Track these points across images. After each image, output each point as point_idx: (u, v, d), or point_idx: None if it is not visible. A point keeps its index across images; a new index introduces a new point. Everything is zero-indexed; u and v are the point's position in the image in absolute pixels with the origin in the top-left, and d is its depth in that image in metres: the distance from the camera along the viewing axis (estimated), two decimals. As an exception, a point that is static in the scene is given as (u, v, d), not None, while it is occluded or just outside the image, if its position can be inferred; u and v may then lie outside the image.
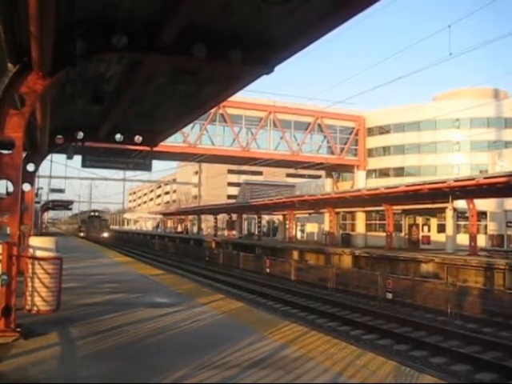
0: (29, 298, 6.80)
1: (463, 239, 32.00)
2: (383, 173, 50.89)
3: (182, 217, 79.73)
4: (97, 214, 63.14)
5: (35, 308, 6.81)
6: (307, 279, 25.12)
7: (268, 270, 28.70)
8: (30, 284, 6.79)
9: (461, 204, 31.24)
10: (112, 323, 7.74)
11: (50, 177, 53.51)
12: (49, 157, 19.49)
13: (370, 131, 51.37)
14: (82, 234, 58.24)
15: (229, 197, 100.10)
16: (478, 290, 19.39)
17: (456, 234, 32.29)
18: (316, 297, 20.53)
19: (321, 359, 5.93)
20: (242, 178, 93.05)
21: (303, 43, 8.01)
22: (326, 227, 44.44)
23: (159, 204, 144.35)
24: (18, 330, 6.58)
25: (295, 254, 36.02)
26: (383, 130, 51.05)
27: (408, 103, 52.54)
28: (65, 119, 14.16)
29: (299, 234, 56.86)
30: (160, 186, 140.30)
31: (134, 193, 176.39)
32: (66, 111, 13.32)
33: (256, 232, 58.07)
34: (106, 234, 59.60)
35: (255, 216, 57.86)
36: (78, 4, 6.75)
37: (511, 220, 33.66)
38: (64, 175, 59.07)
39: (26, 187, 13.41)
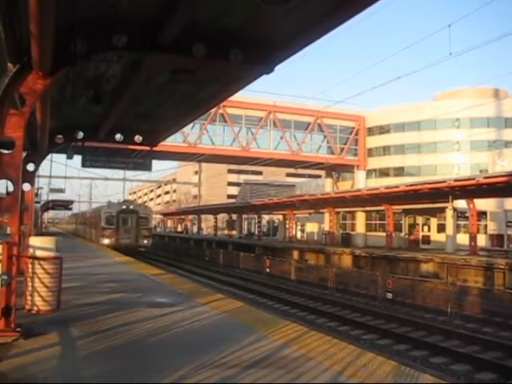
0: (29, 298, 6.79)
1: (463, 239, 31.99)
2: (383, 172, 50.90)
3: (182, 216, 79.76)
4: (131, 207, 38.88)
5: (35, 308, 6.80)
6: (307, 279, 25.13)
7: (268, 270, 28.70)
8: (30, 284, 6.78)
9: (461, 204, 31.25)
10: (112, 323, 7.73)
11: (50, 176, 53.14)
12: (49, 156, 19.48)
13: (370, 131, 51.39)
14: (106, 242, 35.85)
15: (229, 196, 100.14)
16: (478, 289, 19.39)
17: (456, 234, 32.29)
18: (316, 296, 20.54)
19: (321, 359, 5.92)
20: (242, 178, 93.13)
21: (303, 43, 8.01)
22: (326, 227, 44.42)
23: (159, 204, 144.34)
24: (18, 329, 6.57)
25: (295, 254, 36.03)
26: (383, 130, 51.07)
27: (408, 103, 52.50)
28: (65, 119, 14.17)
29: (299, 234, 56.83)
30: (160, 186, 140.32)
31: (134, 193, 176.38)
32: (66, 111, 13.32)
33: (256, 232, 58.05)
34: (146, 242, 37.69)
35: (255, 216, 57.85)
36: (78, 4, 6.76)
37: (511, 220, 33.64)
38: (64, 175, 57.69)
39: (26, 187, 13.40)
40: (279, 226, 59.50)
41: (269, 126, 46.36)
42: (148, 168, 18.83)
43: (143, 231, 37.89)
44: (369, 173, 51.27)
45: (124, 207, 38.46)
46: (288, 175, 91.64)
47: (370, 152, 51.39)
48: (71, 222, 79.95)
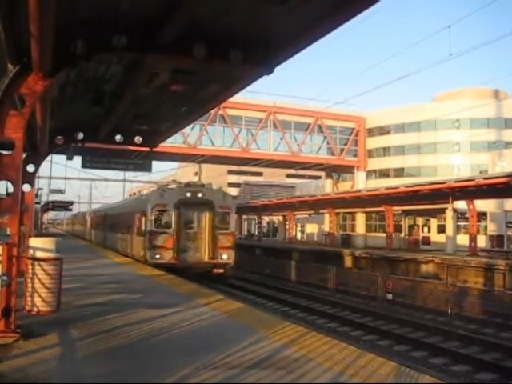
0: (29, 299, 6.78)
1: (463, 240, 31.97)
2: (383, 173, 50.90)
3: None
4: (200, 194, 20.30)
5: (35, 309, 6.79)
6: (307, 280, 25.09)
7: (268, 271, 28.67)
8: (30, 285, 6.77)
9: (461, 205, 31.24)
10: (112, 324, 7.72)
11: (50, 177, 53.07)
12: (49, 157, 19.52)
13: (370, 132, 51.41)
14: (157, 258, 19.47)
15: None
16: (478, 290, 19.37)
17: (456, 235, 32.27)
18: (316, 297, 20.51)
19: (321, 360, 5.92)
20: (242, 179, 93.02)
21: (303, 44, 8.02)
22: (326, 228, 44.41)
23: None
24: (18, 330, 6.57)
25: (295, 255, 35.99)
26: (383, 131, 51.08)
27: (408, 104, 52.59)
28: (65, 120, 14.18)
29: (299, 235, 56.82)
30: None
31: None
32: (66, 112, 13.32)
33: (256, 233, 58.03)
34: (226, 257, 20.49)
35: (255, 216, 57.82)
36: (78, 4, 6.76)
37: (511, 220, 33.64)
38: (64, 176, 57.68)
39: (26, 188, 13.42)
40: (279, 226, 59.48)
41: (269, 127, 46.37)
42: (148, 169, 18.86)
43: (222, 238, 20.65)
44: (369, 174, 51.28)
45: (188, 195, 20.45)
46: (288, 176, 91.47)
47: (370, 153, 51.40)
48: (79, 222, 60.18)
